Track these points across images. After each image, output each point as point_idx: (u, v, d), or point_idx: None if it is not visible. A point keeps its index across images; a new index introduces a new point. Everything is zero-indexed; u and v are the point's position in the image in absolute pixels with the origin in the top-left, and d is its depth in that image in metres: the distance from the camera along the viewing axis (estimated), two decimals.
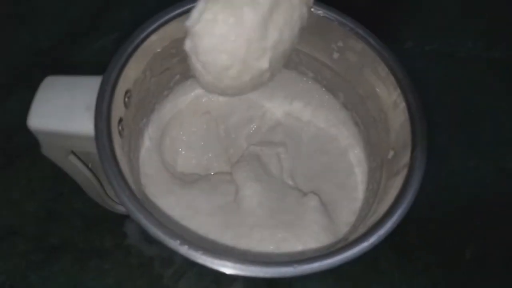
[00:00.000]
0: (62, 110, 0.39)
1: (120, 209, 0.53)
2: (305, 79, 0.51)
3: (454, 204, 0.62)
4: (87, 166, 0.46)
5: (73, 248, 0.57)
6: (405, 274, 0.58)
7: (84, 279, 0.56)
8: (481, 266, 0.59)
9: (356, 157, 0.50)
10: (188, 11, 0.41)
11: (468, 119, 0.67)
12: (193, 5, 0.39)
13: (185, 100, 0.51)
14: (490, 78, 0.70)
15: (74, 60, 0.69)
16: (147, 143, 0.47)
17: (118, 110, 0.39)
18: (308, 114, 0.52)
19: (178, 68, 0.48)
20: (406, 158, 0.39)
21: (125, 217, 0.58)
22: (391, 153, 0.43)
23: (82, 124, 0.38)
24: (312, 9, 0.43)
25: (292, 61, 0.50)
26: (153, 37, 0.42)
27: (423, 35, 0.72)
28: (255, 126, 0.52)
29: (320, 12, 0.44)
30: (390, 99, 0.43)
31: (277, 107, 0.52)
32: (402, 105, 0.41)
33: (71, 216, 0.58)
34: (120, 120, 0.40)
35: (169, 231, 0.34)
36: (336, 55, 0.47)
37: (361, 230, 0.38)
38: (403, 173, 0.39)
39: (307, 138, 0.51)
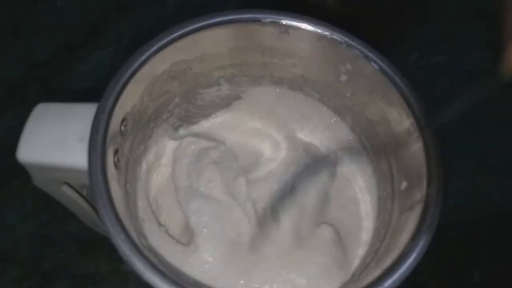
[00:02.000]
0: (54, 142, 0.36)
1: None
2: (310, 99, 0.48)
3: (461, 224, 0.59)
4: (81, 195, 0.43)
5: (67, 273, 0.55)
6: None
7: None
8: None
9: (365, 183, 0.47)
10: (188, 33, 0.40)
11: (476, 133, 0.65)
12: (192, 27, 0.38)
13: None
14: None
15: (70, 73, 0.66)
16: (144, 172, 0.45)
17: (113, 140, 0.36)
18: (313, 137, 0.50)
19: (178, 90, 0.45)
20: (421, 192, 0.37)
21: None
22: (404, 183, 0.40)
23: (76, 156, 0.35)
24: (319, 31, 0.41)
25: (297, 82, 0.47)
26: (153, 61, 0.39)
27: (428, 47, 0.69)
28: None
29: (328, 33, 0.41)
30: (402, 126, 0.40)
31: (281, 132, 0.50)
32: (416, 134, 0.38)
33: (66, 240, 0.56)
34: (116, 151, 0.37)
35: (167, 279, 0.32)
36: (344, 78, 0.44)
37: (375, 269, 0.35)
38: (418, 209, 0.36)
39: (314, 163, 0.48)
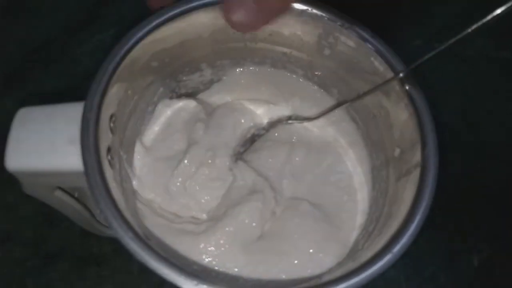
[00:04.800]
0: (42, 146, 0.35)
1: (111, 233, 0.50)
2: (294, 76, 0.47)
3: (461, 209, 0.59)
4: (74, 197, 0.42)
5: (70, 254, 0.54)
6: (412, 281, 0.55)
7: (82, 286, 0.53)
8: (489, 273, 0.56)
9: (356, 156, 0.46)
10: (165, 21, 0.38)
11: (476, 119, 0.64)
12: (167, 15, 0.37)
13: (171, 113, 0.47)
14: (498, 78, 0.66)
15: (71, 56, 0.64)
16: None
17: (105, 139, 0.35)
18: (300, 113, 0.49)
19: (160, 80, 0.43)
20: (416, 157, 0.36)
21: None
22: (397, 150, 0.40)
23: (67, 159, 0.34)
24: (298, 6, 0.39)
25: (280, 60, 0.46)
26: (133, 54, 0.37)
27: (432, 33, 0.67)
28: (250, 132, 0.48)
29: (307, 8, 0.40)
30: (390, 96, 0.39)
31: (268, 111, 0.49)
32: (405, 100, 0.38)
33: (68, 221, 0.54)
34: (109, 150, 0.36)
35: (182, 271, 0.31)
36: (327, 52, 0.42)
37: (380, 237, 0.36)
38: (416, 173, 0.36)
39: (301, 141, 0.48)
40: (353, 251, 0.41)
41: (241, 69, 0.47)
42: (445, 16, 0.68)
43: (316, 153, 0.47)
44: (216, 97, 0.49)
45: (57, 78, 0.62)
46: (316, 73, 0.45)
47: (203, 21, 0.40)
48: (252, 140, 0.47)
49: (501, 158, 0.61)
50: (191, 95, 0.48)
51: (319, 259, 0.41)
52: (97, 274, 0.53)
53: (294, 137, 0.48)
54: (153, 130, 0.46)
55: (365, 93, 0.41)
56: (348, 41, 0.40)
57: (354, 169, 0.46)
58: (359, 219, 0.43)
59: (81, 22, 0.66)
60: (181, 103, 0.46)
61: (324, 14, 0.39)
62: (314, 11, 0.39)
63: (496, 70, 0.67)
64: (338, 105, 0.45)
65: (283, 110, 0.49)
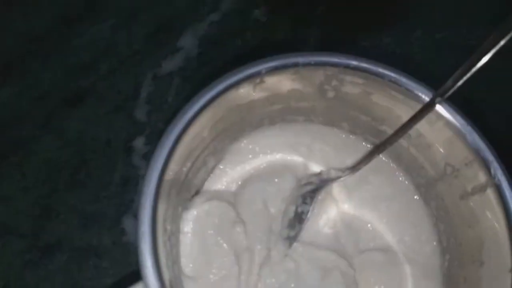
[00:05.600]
0: None
1: None
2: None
3: None
4: None
5: (69, 246, 0.53)
6: None
7: (81, 279, 0.52)
8: None
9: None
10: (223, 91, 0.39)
11: (478, 109, 0.63)
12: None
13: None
14: (501, 67, 0.66)
15: (68, 47, 0.64)
16: None
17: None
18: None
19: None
20: (480, 175, 0.38)
21: (123, 213, 0.54)
22: (449, 168, 0.41)
23: None
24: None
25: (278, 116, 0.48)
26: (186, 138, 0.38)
27: (432, 23, 0.67)
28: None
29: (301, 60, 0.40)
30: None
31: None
32: (442, 122, 0.39)
33: (67, 213, 0.54)
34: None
35: None
36: (331, 94, 0.43)
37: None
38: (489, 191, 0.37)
39: None
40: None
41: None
42: (445, 6, 0.68)
43: None
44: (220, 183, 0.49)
45: (54, 70, 0.62)
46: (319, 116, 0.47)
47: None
48: (299, 219, 0.47)
49: None
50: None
51: None
52: (96, 266, 0.52)
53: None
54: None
55: (399, 131, 0.41)
56: (356, 79, 0.40)
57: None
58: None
59: (79, 12, 0.66)
60: (206, 206, 0.46)
61: (326, 60, 0.40)
62: (314, 62, 0.40)
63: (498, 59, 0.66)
64: (373, 152, 0.45)
65: (311, 167, 0.49)
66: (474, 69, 0.36)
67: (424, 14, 0.68)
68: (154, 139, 0.58)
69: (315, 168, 0.49)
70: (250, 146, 0.48)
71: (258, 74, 0.39)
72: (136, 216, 0.53)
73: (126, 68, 0.62)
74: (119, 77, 0.62)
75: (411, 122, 0.39)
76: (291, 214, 0.46)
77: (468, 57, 0.36)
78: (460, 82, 0.37)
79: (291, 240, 0.45)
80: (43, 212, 0.55)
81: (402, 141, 0.44)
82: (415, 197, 0.47)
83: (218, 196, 0.46)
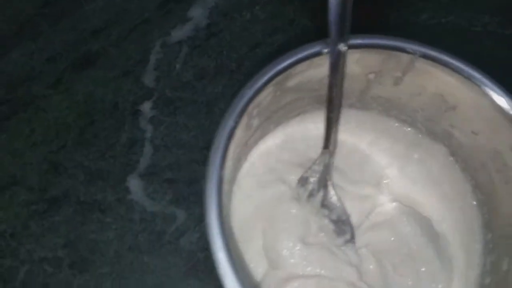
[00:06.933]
0: None
1: None
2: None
3: None
4: None
5: (74, 200, 0.55)
6: None
7: (85, 231, 0.54)
8: None
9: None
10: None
11: None
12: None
13: None
14: (504, 54, 0.67)
15: (80, 12, 0.65)
16: None
17: None
18: None
19: None
20: None
21: (128, 173, 0.56)
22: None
23: None
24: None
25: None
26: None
27: (438, 8, 0.68)
28: None
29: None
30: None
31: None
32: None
33: (74, 168, 0.56)
34: None
35: None
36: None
37: None
38: None
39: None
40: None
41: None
42: None
43: None
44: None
45: (66, 34, 0.63)
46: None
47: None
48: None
49: None
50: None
51: None
52: (100, 220, 0.54)
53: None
54: None
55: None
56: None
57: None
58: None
59: None
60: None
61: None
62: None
63: (502, 46, 0.67)
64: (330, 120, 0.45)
65: None
66: None
67: None
68: (161, 105, 0.60)
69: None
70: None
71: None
72: (142, 177, 0.55)
73: (136, 35, 0.64)
74: (129, 43, 0.63)
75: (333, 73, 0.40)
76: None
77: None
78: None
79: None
80: (50, 167, 0.56)
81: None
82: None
83: None
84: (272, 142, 0.50)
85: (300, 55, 0.40)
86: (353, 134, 0.51)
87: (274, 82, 0.40)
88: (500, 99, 0.40)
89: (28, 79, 0.60)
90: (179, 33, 0.64)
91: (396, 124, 0.50)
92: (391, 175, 0.50)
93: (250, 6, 0.66)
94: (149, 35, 0.64)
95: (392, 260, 0.47)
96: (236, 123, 0.38)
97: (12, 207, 0.55)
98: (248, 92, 0.39)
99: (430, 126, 0.48)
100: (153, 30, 0.64)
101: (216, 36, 0.64)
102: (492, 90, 0.40)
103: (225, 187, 0.38)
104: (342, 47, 0.38)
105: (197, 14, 0.65)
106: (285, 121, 0.50)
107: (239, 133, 0.39)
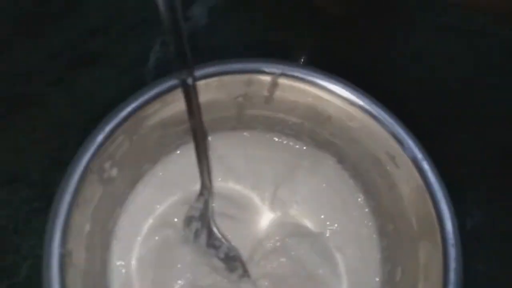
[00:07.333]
0: None
1: None
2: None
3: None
4: None
5: None
6: None
7: None
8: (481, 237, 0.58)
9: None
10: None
11: (474, 94, 0.65)
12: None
13: None
14: (498, 55, 0.68)
15: (80, 10, 0.66)
16: None
17: None
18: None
19: None
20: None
21: None
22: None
23: None
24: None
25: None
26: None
27: (435, 7, 0.68)
28: None
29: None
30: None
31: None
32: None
33: None
34: None
35: None
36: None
37: None
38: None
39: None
40: None
41: None
42: None
43: None
44: None
45: (66, 32, 0.64)
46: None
47: None
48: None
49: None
50: None
51: None
52: None
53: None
54: None
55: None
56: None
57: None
58: None
59: None
60: None
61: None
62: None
63: (497, 47, 0.68)
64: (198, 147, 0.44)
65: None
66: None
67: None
68: None
69: None
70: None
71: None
72: None
73: (136, 34, 0.64)
74: (129, 42, 0.64)
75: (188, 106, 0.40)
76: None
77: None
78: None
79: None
80: (52, 164, 0.57)
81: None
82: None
83: None
84: (149, 183, 0.48)
85: (146, 97, 0.41)
86: (238, 156, 0.50)
87: (121, 130, 0.39)
88: (367, 107, 0.41)
89: (28, 76, 0.60)
90: None
91: (282, 139, 0.50)
92: (281, 194, 0.49)
93: (249, 7, 0.67)
94: (149, 34, 0.65)
95: (291, 285, 0.46)
96: (76, 190, 0.38)
97: (13, 203, 0.55)
98: (84, 155, 0.39)
99: (314, 137, 0.48)
100: (153, 29, 0.65)
101: (215, 36, 0.65)
102: (359, 99, 0.41)
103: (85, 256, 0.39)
104: (189, 80, 0.38)
105: (197, 13, 0.66)
106: (162, 158, 0.48)
107: (89, 193, 0.39)
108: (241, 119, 0.47)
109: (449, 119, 0.61)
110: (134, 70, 0.62)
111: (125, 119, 0.40)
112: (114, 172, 0.42)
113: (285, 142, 0.50)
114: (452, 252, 0.37)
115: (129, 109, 0.40)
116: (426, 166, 0.40)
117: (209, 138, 0.48)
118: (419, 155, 0.40)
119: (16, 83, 0.60)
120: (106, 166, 0.40)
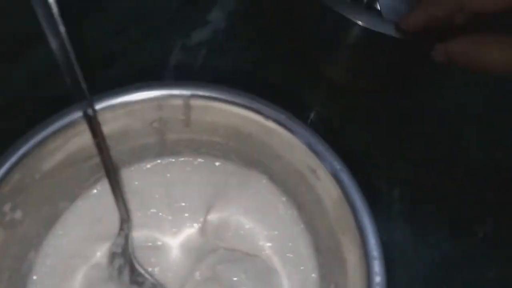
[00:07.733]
0: None
1: None
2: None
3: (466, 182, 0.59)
4: None
5: None
6: (417, 247, 0.56)
7: None
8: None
9: None
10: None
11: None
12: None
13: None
14: None
15: (102, 12, 0.67)
16: None
17: None
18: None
19: None
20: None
21: None
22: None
23: None
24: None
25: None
26: None
27: None
28: None
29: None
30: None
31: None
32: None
33: None
34: None
35: None
36: None
37: None
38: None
39: None
40: None
41: None
42: None
43: None
44: None
45: (88, 34, 0.65)
46: None
47: None
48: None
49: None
50: None
51: None
52: None
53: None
54: None
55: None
56: None
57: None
58: None
59: None
60: None
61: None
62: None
63: None
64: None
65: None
66: None
67: None
68: None
69: None
70: None
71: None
72: None
73: (157, 36, 0.66)
74: (150, 44, 0.66)
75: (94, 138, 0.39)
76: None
77: None
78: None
79: None
80: None
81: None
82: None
83: None
84: (68, 221, 0.45)
85: (44, 133, 0.38)
86: (161, 184, 0.47)
87: (17, 169, 0.37)
88: (283, 121, 0.40)
89: (51, 77, 0.63)
90: (198, 36, 0.66)
91: (210, 161, 0.48)
92: (212, 217, 0.47)
93: (266, 11, 0.67)
94: (169, 36, 0.66)
95: None
96: None
97: None
98: None
99: (242, 156, 0.46)
100: (173, 32, 0.66)
101: (233, 40, 0.66)
102: (274, 113, 0.40)
103: None
104: (89, 111, 0.37)
105: (216, 17, 0.67)
106: (81, 194, 0.46)
107: None
108: (165, 145, 0.46)
109: None
110: (154, 72, 0.63)
111: (21, 158, 0.38)
112: (17, 214, 0.40)
113: (213, 164, 0.48)
114: (376, 265, 0.35)
115: (24, 148, 0.38)
116: (344, 176, 0.38)
117: (132, 168, 0.47)
118: (338, 166, 0.38)
119: (39, 83, 0.63)
120: (5, 209, 0.38)
